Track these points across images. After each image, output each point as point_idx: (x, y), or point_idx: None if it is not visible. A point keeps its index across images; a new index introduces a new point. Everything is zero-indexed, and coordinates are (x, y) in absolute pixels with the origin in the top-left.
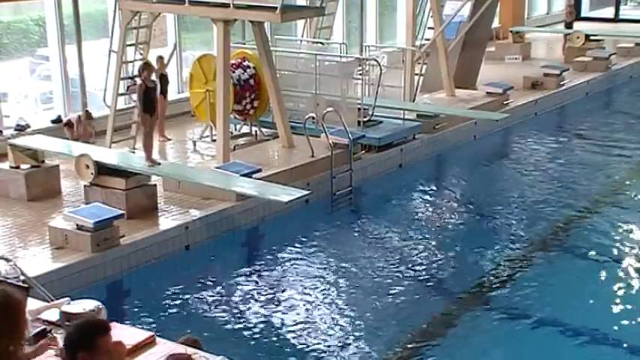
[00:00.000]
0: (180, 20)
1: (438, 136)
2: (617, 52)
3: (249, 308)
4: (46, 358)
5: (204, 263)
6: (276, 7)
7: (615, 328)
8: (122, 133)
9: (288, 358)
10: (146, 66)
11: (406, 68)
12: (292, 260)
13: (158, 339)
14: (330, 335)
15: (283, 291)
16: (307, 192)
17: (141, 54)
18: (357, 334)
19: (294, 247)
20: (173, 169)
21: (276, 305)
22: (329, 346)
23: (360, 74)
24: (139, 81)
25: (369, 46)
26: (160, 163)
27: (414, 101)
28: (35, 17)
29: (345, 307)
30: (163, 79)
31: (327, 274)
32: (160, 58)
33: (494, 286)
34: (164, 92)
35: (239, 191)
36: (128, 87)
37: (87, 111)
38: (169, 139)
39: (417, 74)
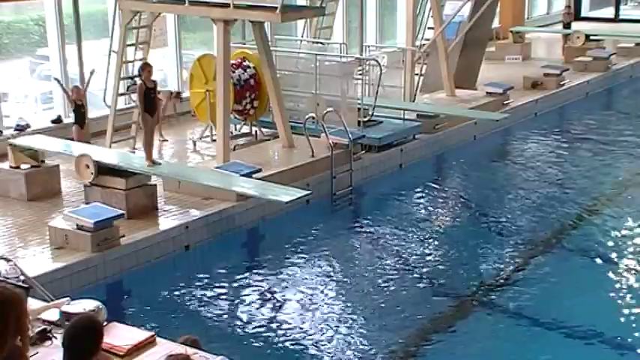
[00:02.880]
0: (180, 20)
1: (438, 136)
2: (617, 52)
3: (249, 308)
4: (45, 357)
5: (204, 263)
6: (276, 7)
7: (616, 327)
8: (122, 133)
9: (288, 358)
10: (145, 66)
11: (406, 68)
12: (292, 260)
13: (158, 339)
14: (329, 335)
15: (283, 291)
16: (307, 192)
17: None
18: (357, 333)
19: (294, 247)
20: (173, 169)
21: (276, 305)
22: (329, 346)
23: (360, 74)
24: (138, 81)
25: (369, 46)
26: (160, 163)
27: (414, 101)
28: (35, 17)
29: (345, 307)
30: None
31: (327, 274)
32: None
33: (494, 286)
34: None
35: (239, 191)
36: (128, 87)
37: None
38: (166, 140)
39: (417, 74)
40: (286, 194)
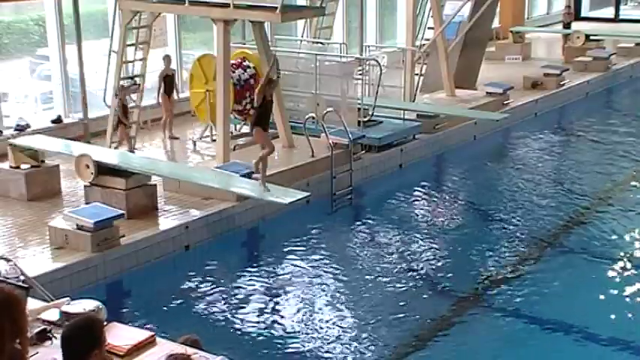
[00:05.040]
0: (180, 20)
1: (438, 136)
2: (617, 52)
3: (249, 308)
4: (45, 357)
5: (204, 263)
6: (276, 7)
7: (615, 327)
8: None
9: (288, 358)
10: (270, 80)
11: (406, 68)
12: (292, 260)
13: (158, 339)
14: (329, 335)
15: (283, 291)
16: (307, 194)
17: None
18: (356, 334)
19: (294, 247)
20: (173, 169)
21: (276, 305)
22: (328, 346)
23: (360, 74)
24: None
25: (369, 46)
26: (269, 190)
27: (414, 101)
28: (35, 17)
29: (345, 307)
30: (168, 79)
31: (327, 274)
32: (167, 57)
33: (494, 286)
34: (169, 92)
35: (239, 192)
36: (128, 87)
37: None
38: (177, 138)
39: (417, 74)
40: (287, 196)
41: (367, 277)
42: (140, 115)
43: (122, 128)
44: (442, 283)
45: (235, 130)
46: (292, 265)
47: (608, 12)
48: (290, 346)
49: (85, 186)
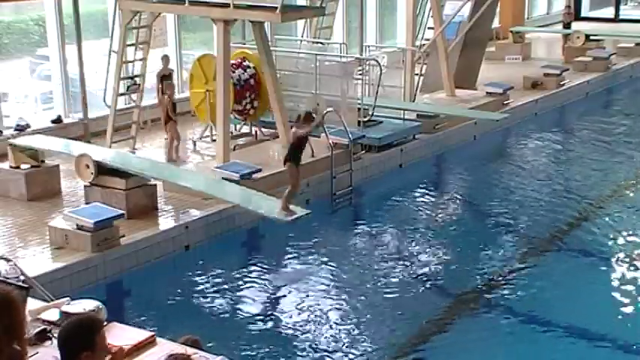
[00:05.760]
0: (180, 20)
1: (438, 136)
2: (617, 52)
3: (249, 308)
4: (45, 357)
5: (204, 263)
6: (276, 7)
7: (615, 328)
8: (122, 133)
9: (288, 357)
10: (308, 116)
11: (406, 68)
12: (292, 260)
13: (158, 339)
14: (329, 335)
15: (283, 291)
16: (307, 211)
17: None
18: (356, 334)
19: (294, 247)
20: (173, 170)
21: (276, 305)
22: (328, 346)
23: (360, 74)
24: (293, 129)
25: (369, 46)
26: (296, 218)
27: (414, 101)
28: (35, 17)
29: (345, 307)
30: (165, 79)
31: (327, 274)
32: (165, 57)
33: (494, 286)
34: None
35: (228, 200)
36: (128, 87)
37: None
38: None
39: (417, 74)
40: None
41: (367, 276)
42: (140, 115)
43: (172, 125)
44: (442, 283)
45: (235, 130)
46: (292, 265)
47: (608, 12)
48: (290, 345)
49: (85, 186)
